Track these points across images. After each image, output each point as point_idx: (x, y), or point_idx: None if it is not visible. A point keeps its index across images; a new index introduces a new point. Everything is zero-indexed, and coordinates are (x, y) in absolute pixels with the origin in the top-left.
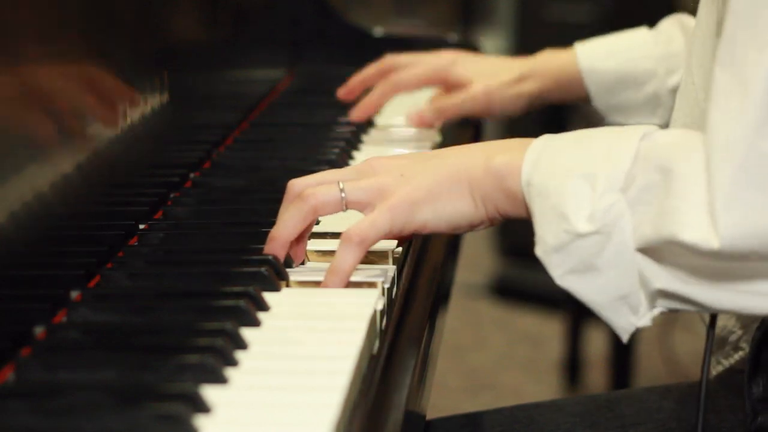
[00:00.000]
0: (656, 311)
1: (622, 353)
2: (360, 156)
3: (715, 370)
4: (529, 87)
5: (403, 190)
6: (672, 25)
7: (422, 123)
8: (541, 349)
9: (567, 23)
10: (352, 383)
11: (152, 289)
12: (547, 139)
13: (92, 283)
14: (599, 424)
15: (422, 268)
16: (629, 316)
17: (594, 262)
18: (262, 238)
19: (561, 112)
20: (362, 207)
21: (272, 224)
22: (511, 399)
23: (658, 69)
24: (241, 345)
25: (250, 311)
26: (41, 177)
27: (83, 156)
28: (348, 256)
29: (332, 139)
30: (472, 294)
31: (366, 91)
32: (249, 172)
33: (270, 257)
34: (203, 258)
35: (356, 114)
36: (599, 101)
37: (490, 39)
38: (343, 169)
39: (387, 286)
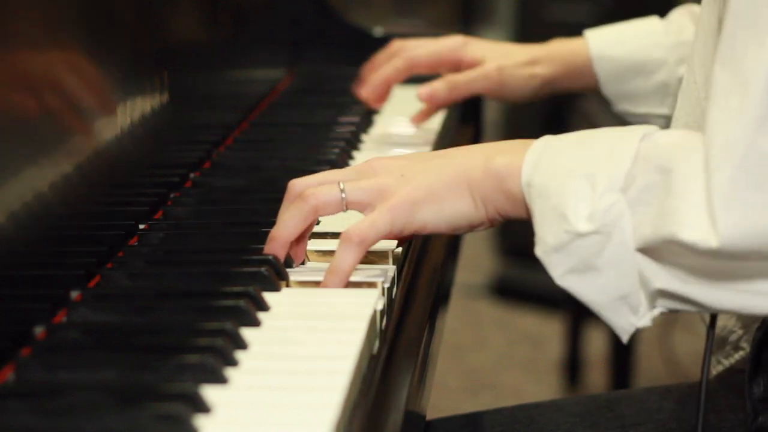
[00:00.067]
0: (656, 311)
1: (622, 353)
2: (360, 156)
3: (716, 369)
4: (540, 70)
5: (404, 191)
6: (682, 15)
7: (433, 99)
8: (541, 349)
9: (567, 23)
10: (352, 383)
11: (152, 289)
12: (547, 140)
13: (92, 283)
14: (599, 424)
15: (422, 268)
16: (629, 316)
17: (594, 262)
18: (262, 238)
19: (561, 111)
20: (362, 207)
21: (272, 224)
22: (511, 399)
23: (669, 58)
24: (241, 345)
25: (250, 311)
26: (41, 177)
27: (83, 156)
28: (347, 256)
29: (332, 139)
30: (472, 294)
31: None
32: (249, 172)
33: (270, 257)
34: (203, 258)
35: (367, 92)
36: (608, 88)
37: (490, 39)
38: (343, 170)
39: (387, 286)
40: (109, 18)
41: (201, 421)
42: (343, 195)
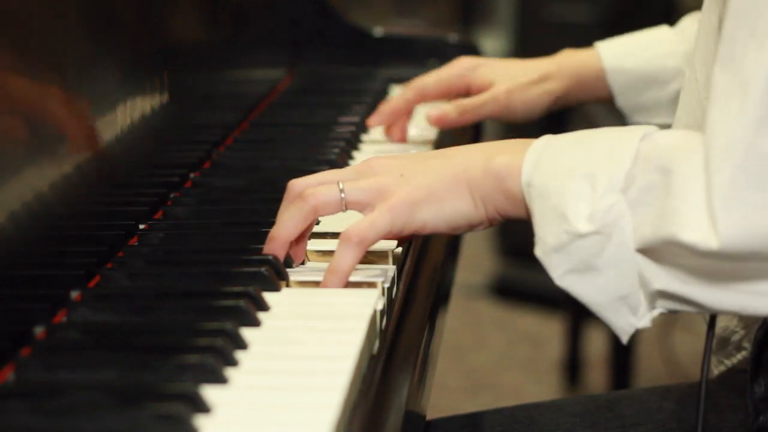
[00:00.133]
0: (656, 312)
1: (622, 353)
2: (360, 156)
3: (717, 369)
4: (551, 86)
5: (403, 191)
6: (693, 22)
7: (442, 123)
8: (541, 349)
9: (567, 23)
10: (352, 383)
11: (152, 289)
12: (547, 140)
13: (92, 283)
14: (599, 424)
15: (422, 268)
16: (629, 317)
17: (594, 262)
18: (262, 238)
19: (561, 111)
20: (362, 207)
21: (272, 224)
22: (511, 399)
23: (683, 67)
24: (241, 345)
25: (250, 311)
26: (41, 177)
27: (83, 156)
28: (347, 255)
29: (332, 139)
30: (472, 294)
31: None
32: (249, 172)
33: (270, 257)
34: (203, 258)
35: (376, 122)
36: (623, 100)
37: (490, 39)
38: (343, 170)
39: (387, 286)
40: (109, 18)
41: (201, 421)
42: (343, 195)
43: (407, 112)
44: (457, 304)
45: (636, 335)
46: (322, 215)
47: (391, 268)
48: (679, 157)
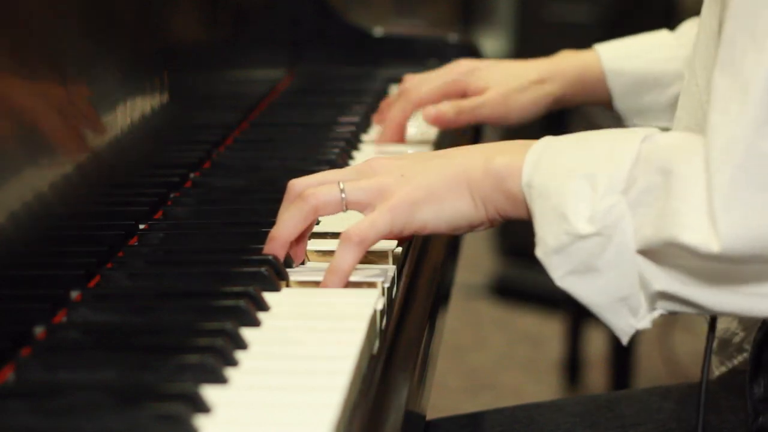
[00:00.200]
0: (656, 313)
1: (622, 353)
2: (360, 156)
3: (718, 371)
4: (549, 89)
5: (403, 191)
6: (692, 27)
7: (439, 121)
8: (541, 349)
9: (567, 23)
10: (352, 383)
11: (152, 289)
12: (547, 141)
13: (92, 283)
14: (599, 424)
15: (422, 268)
16: (629, 318)
17: (594, 263)
18: (262, 238)
19: (561, 112)
20: (362, 207)
21: (272, 224)
22: (511, 399)
23: (683, 70)
24: (241, 345)
25: (250, 311)
26: (41, 177)
27: (83, 156)
28: (347, 255)
29: (332, 139)
30: (472, 294)
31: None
32: (249, 172)
33: (270, 257)
34: (203, 258)
35: (382, 139)
36: (621, 103)
37: (490, 39)
38: (343, 169)
39: (387, 285)
40: (109, 18)
41: (201, 421)
42: (343, 195)
43: (405, 122)
44: (457, 304)
45: (636, 335)
46: (323, 215)
47: (391, 268)
48: (679, 158)
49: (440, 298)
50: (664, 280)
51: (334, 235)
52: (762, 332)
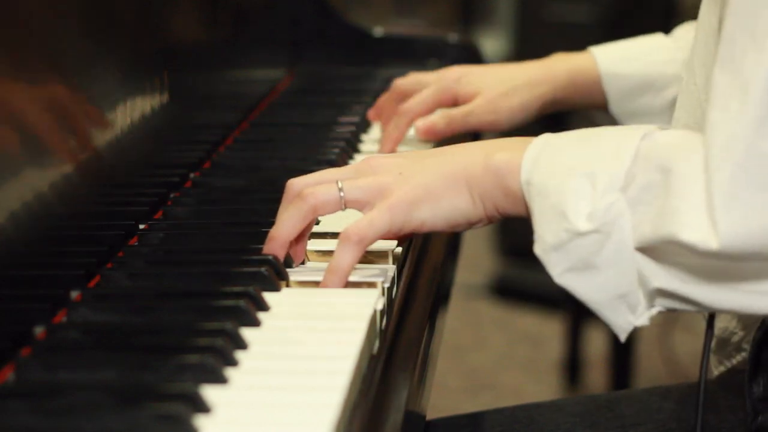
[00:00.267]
0: (654, 311)
1: (622, 353)
2: (360, 156)
3: (717, 370)
4: (540, 91)
5: (402, 189)
6: (688, 31)
7: (431, 133)
8: (541, 349)
9: (567, 23)
10: (352, 383)
11: (152, 289)
12: (547, 138)
13: (92, 283)
14: (599, 424)
15: (422, 268)
16: (627, 315)
17: (593, 260)
18: (262, 238)
19: (562, 113)
20: (361, 206)
21: (272, 224)
22: (511, 399)
23: (681, 74)
24: (241, 345)
25: (250, 311)
26: (41, 177)
27: (83, 156)
28: (346, 255)
29: (332, 139)
30: (472, 294)
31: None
32: (249, 172)
33: (270, 257)
34: (203, 258)
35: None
36: (617, 107)
37: (490, 39)
38: (341, 168)
39: (387, 285)
40: (109, 18)
41: (201, 421)
42: (342, 194)
43: (402, 137)
44: (457, 304)
45: (636, 335)
46: (322, 214)
47: (391, 268)
48: (679, 156)
49: (440, 298)
50: (663, 277)
51: (334, 235)
52: (761, 331)
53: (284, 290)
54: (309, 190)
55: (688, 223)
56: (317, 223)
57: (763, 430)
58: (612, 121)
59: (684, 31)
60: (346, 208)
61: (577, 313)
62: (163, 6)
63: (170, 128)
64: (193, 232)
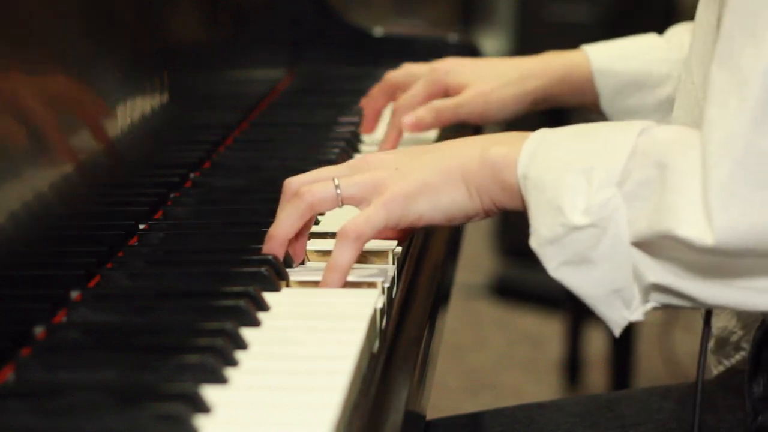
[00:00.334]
0: (649, 306)
1: (622, 353)
2: (360, 156)
3: (717, 370)
4: (532, 85)
5: (398, 185)
6: (682, 31)
7: (419, 128)
8: (541, 349)
9: (567, 23)
10: (352, 383)
11: (152, 289)
12: (544, 133)
13: (92, 283)
14: (599, 424)
15: (422, 268)
16: (622, 310)
17: (589, 255)
18: (262, 238)
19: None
20: (358, 202)
21: (272, 224)
22: (511, 399)
23: (673, 73)
24: (241, 345)
25: (250, 311)
26: (41, 177)
27: (83, 155)
28: (345, 252)
29: (332, 139)
30: (472, 294)
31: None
32: (249, 172)
33: (270, 257)
34: (203, 258)
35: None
36: (609, 105)
37: (490, 39)
38: (338, 165)
39: (387, 285)
40: (109, 18)
41: (201, 421)
42: (339, 191)
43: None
44: (457, 304)
45: (636, 335)
46: (319, 212)
47: (391, 268)
48: (676, 152)
49: (440, 297)
50: (659, 272)
51: (334, 235)
52: (761, 331)
53: (284, 290)
54: (306, 188)
55: (685, 219)
56: (317, 223)
57: (763, 430)
58: (606, 120)
59: (677, 32)
60: (343, 204)
61: (577, 313)
62: (163, 6)
63: (170, 128)
64: (193, 232)
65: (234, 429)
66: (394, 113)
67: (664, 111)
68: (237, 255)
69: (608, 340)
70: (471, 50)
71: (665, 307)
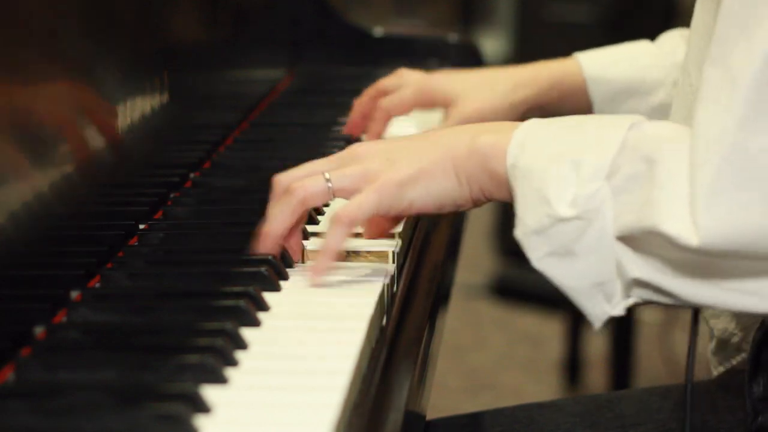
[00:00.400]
0: (630, 301)
1: (622, 353)
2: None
3: (717, 371)
4: (524, 95)
5: (389, 173)
6: (673, 37)
7: None
8: (541, 349)
9: (567, 23)
10: (352, 383)
11: (152, 289)
12: (534, 123)
13: (92, 283)
14: (599, 424)
15: (422, 268)
16: (603, 304)
17: (573, 247)
18: None
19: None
20: (349, 194)
21: None
22: (511, 399)
23: (666, 79)
24: (241, 345)
25: (250, 311)
26: (41, 177)
27: (83, 155)
28: (338, 237)
29: (332, 139)
30: (472, 294)
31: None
32: (249, 172)
33: (270, 257)
34: (203, 258)
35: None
36: (601, 111)
37: (490, 39)
38: (326, 158)
39: (387, 284)
40: (109, 18)
41: (201, 421)
42: (329, 184)
43: (383, 130)
44: (457, 304)
45: (636, 335)
46: (311, 206)
47: (391, 268)
48: (665, 148)
49: (440, 297)
50: (642, 267)
51: None
52: (761, 332)
53: (284, 290)
54: (297, 184)
55: (670, 215)
56: (317, 223)
57: (763, 430)
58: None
59: (669, 38)
60: (335, 197)
61: (577, 313)
62: (163, 6)
63: (170, 128)
64: (193, 232)
65: (234, 429)
66: (377, 110)
67: (657, 117)
68: (237, 255)
69: (608, 340)
70: (471, 50)
71: (646, 303)
